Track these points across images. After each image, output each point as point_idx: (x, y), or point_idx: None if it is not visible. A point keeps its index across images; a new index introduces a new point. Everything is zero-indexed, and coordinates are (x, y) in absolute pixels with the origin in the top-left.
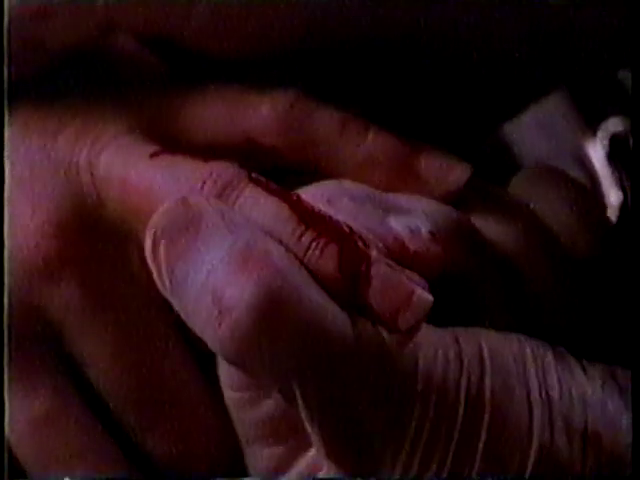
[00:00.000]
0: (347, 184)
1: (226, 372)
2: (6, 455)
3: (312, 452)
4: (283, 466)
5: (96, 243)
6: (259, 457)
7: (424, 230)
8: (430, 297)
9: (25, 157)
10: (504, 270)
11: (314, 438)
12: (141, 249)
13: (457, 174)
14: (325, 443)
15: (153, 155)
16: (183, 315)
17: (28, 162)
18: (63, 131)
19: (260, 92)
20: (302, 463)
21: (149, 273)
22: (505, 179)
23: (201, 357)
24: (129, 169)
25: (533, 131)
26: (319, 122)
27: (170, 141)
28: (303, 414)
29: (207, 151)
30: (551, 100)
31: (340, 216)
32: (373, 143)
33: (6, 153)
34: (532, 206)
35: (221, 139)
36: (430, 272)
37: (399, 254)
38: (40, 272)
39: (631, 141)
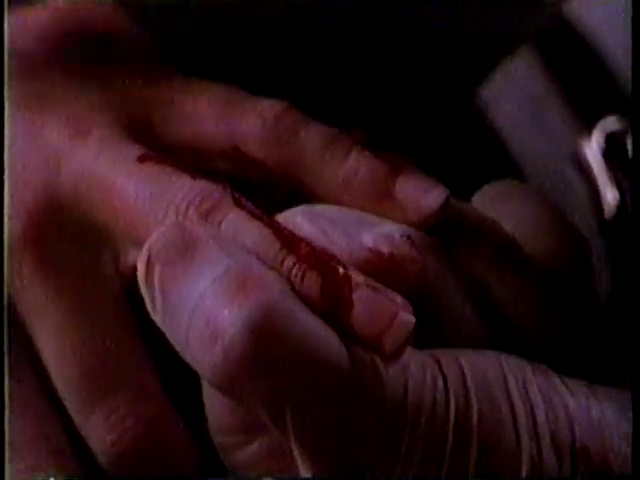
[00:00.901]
0: (319, 207)
1: (214, 415)
2: (6, 455)
3: None
4: None
5: (64, 233)
6: None
7: (397, 235)
8: (412, 318)
9: (11, 139)
10: (475, 289)
11: (301, 463)
12: (116, 257)
13: (432, 198)
14: (313, 469)
15: (140, 159)
16: (174, 341)
17: (14, 145)
18: (47, 116)
19: (250, 99)
20: None
21: (122, 281)
22: (500, 179)
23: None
24: (113, 171)
25: (528, 130)
26: (304, 139)
27: (155, 138)
28: (293, 442)
29: (192, 152)
30: (546, 99)
31: (315, 237)
32: (354, 164)
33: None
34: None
35: (207, 142)
36: (409, 276)
37: (375, 263)
38: (9, 252)
39: (628, 140)
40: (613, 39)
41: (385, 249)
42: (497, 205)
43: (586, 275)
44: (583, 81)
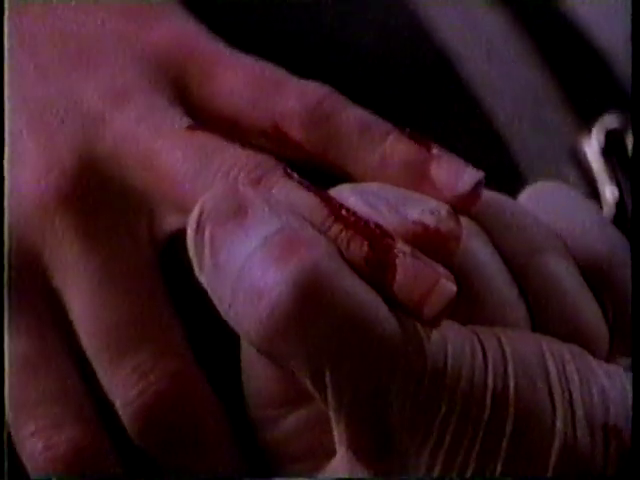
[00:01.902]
0: (365, 184)
1: (254, 389)
2: (6, 455)
3: (332, 464)
4: None
5: (100, 193)
6: (287, 475)
7: (443, 210)
8: (454, 287)
9: (43, 96)
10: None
11: (338, 432)
12: (151, 222)
13: (466, 179)
14: (350, 436)
15: (190, 128)
16: (219, 300)
17: (45, 102)
18: (87, 78)
19: (292, 80)
20: (322, 474)
21: (155, 245)
22: (500, 178)
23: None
24: (160, 137)
25: (527, 127)
26: (343, 122)
27: (197, 109)
28: (330, 403)
29: (231, 129)
30: (546, 96)
31: (362, 209)
32: (391, 147)
33: (15, 89)
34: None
35: (247, 119)
36: (453, 251)
37: (420, 236)
38: (37, 207)
39: (627, 138)
40: (613, 36)
41: (431, 223)
42: (541, 203)
43: (623, 273)
44: (582, 78)
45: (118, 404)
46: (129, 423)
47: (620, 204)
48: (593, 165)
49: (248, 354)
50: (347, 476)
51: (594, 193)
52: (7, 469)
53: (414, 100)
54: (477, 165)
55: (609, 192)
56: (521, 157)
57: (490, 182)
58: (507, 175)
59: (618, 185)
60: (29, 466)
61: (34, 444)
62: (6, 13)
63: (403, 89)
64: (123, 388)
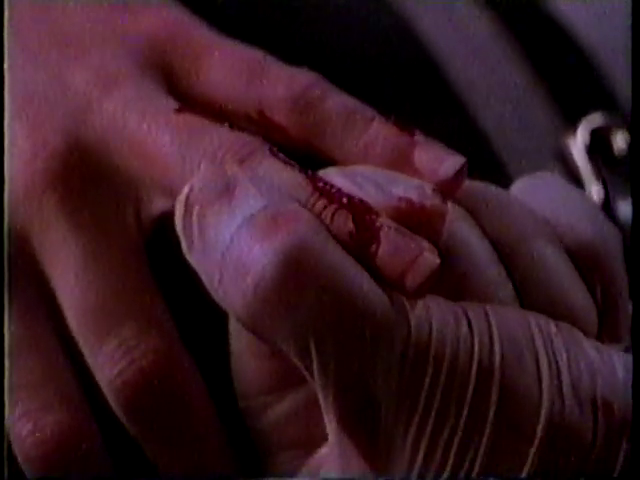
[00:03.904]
0: (353, 166)
1: (243, 377)
2: (6, 455)
3: (320, 452)
4: (294, 470)
5: (88, 177)
6: (275, 463)
7: (428, 188)
8: (437, 259)
9: (32, 81)
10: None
11: (326, 410)
12: (138, 205)
13: (449, 165)
14: (338, 412)
15: (178, 110)
16: (207, 278)
17: (34, 87)
18: (75, 65)
19: (279, 66)
20: (311, 463)
21: (142, 228)
22: (486, 177)
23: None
24: (148, 120)
25: (513, 127)
26: (328, 109)
27: (184, 94)
28: (317, 378)
29: (217, 113)
30: (531, 95)
31: (347, 187)
32: (374, 133)
33: (9, 75)
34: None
35: (232, 103)
36: (438, 227)
37: (405, 211)
38: (25, 190)
39: (612, 136)
40: (598, 35)
41: (416, 199)
42: (533, 193)
43: (615, 261)
44: (568, 77)
45: (103, 382)
46: (113, 400)
47: (605, 202)
48: (578, 164)
49: (237, 341)
50: (337, 462)
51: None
52: (7, 474)
53: (400, 100)
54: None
55: (594, 191)
56: (507, 156)
57: (475, 180)
58: (493, 174)
59: (603, 183)
60: (17, 449)
61: (22, 426)
62: (6, 13)
63: (389, 89)
64: (107, 365)
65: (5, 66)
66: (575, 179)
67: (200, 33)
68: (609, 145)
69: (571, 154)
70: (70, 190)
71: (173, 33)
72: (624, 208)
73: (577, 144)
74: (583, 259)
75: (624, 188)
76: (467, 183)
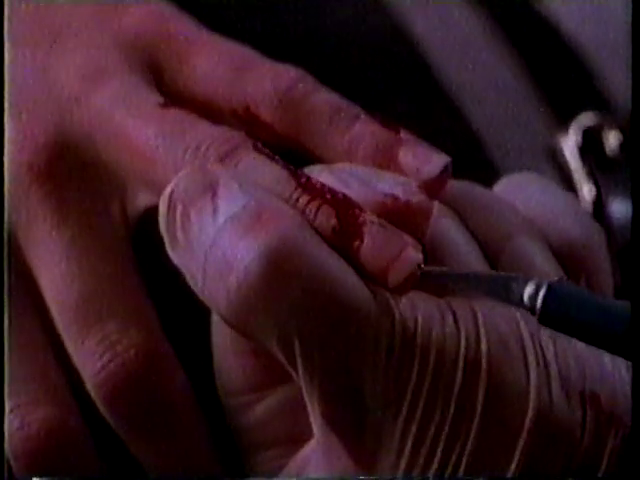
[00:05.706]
0: (339, 164)
1: (226, 376)
2: (6, 456)
3: (305, 450)
4: (276, 468)
5: (74, 170)
6: (257, 462)
7: (413, 184)
8: (419, 255)
9: (24, 77)
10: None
11: (312, 408)
12: (123, 199)
13: (434, 164)
14: (323, 410)
15: (163, 105)
16: (191, 277)
17: (20, 82)
18: (62, 59)
19: (265, 62)
20: (294, 461)
21: (127, 222)
22: (478, 176)
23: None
24: (133, 115)
25: (505, 126)
26: (314, 105)
27: (171, 90)
28: (302, 375)
29: (203, 109)
30: (523, 95)
31: (332, 184)
32: (360, 131)
33: (6, 71)
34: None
35: (218, 100)
36: (423, 223)
37: (390, 207)
38: (11, 184)
39: (604, 136)
40: (589, 35)
41: (401, 195)
42: (516, 193)
43: (599, 258)
44: (560, 77)
45: (85, 376)
46: (96, 394)
47: (597, 202)
48: (570, 163)
49: (219, 339)
50: (322, 459)
51: (572, 191)
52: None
53: (392, 100)
54: (455, 163)
55: (586, 190)
56: (499, 155)
57: (468, 180)
58: (485, 173)
59: (595, 183)
60: (7, 443)
61: (11, 421)
62: (6, 13)
63: (381, 89)
64: (90, 360)
65: (5, 64)
66: (567, 178)
67: (187, 29)
68: (601, 145)
69: (563, 154)
70: (55, 185)
71: (160, 29)
72: (616, 207)
73: (569, 144)
74: (567, 256)
75: (616, 187)
76: (452, 182)
